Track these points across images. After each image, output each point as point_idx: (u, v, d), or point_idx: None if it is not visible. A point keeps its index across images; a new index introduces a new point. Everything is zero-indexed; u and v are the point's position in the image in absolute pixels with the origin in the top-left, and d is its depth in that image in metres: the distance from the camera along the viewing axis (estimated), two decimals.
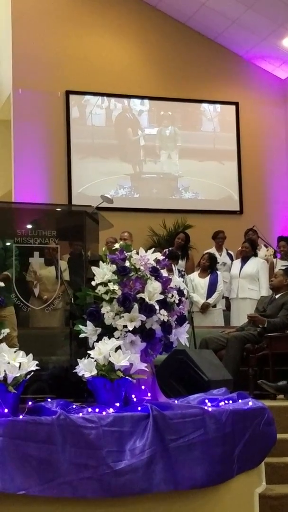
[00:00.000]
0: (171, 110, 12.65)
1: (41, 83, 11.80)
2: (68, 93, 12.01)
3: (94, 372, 3.94)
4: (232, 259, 10.23)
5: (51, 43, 11.93)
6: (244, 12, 11.77)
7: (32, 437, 3.52)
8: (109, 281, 4.35)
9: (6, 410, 3.64)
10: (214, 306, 9.12)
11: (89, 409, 3.86)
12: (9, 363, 3.73)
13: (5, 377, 3.69)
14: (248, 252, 9.42)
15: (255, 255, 9.58)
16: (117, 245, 4.59)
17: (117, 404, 3.91)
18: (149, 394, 4.25)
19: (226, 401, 4.45)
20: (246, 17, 11.89)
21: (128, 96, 12.39)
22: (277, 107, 13.09)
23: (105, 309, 4.28)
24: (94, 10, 12.23)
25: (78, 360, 4.06)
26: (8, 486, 3.42)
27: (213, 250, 10.21)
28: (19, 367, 3.76)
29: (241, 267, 9.33)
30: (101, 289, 4.35)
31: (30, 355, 3.86)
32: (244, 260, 9.39)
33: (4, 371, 3.69)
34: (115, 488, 3.60)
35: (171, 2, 12.31)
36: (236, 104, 12.86)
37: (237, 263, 9.56)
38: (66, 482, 3.51)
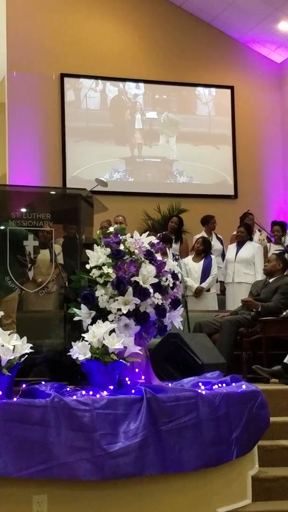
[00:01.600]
0: (166, 93, 12.60)
1: (36, 66, 11.73)
2: (63, 76, 11.95)
3: (88, 355, 3.95)
4: (222, 244, 10.24)
5: (46, 25, 11.85)
6: None
7: (26, 420, 3.53)
8: (104, 264, 4.35)
9: (0, 393, 3.64)
10: (208, 290, 9.12)
11: (83, 392, 3.87)
12: (3, 345, 3.74)
13: None
14: (244, 236, 9.41)
15: (251, 239, 9.58)
16: (111, 229, 4.58)
17: (111, 387, 3.92)
18: (143, 377, 4.26)
19: (220, 385, 4.47)
20: (242, 0, 11.82)
21: (123, 80, 12.33)
22: (273, 91, 13.04)
23: (99, 292, 4.29)
24: None
25: (72, 343, 4.07)
26: (1, 469, 3.43)
27: (203, 235, 10.19)
28: (13, 350, 3.77)
29: (237, 252, 9.32)
30: (95, 272, 4.35)
31: (24, 338, 3.87)
32: (240, 245, 9.38)
33: None
34: (109, 470, 3.62)
35: None
36: (232, 88, 12.82)
37: (232, 247, 9.54)
38: (60, 464, 3.53)
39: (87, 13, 12.12)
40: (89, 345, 3.97)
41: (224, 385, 4.51)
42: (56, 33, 11.89)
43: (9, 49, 11.68)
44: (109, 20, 12.25)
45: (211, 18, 12.56)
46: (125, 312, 4.22)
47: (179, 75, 12.52)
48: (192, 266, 9.17)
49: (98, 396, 3.79)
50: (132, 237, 4.50)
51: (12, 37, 11.68)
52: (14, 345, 3.78)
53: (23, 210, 5.06)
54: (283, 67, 13.04)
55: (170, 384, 4.52)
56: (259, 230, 10.63)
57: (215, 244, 10.19)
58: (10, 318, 4.87)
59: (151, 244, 4.52)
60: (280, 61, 13.03)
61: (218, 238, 10.44)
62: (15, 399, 3.65)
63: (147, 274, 4.35)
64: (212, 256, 9.32)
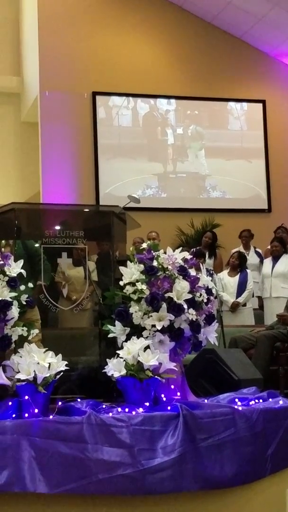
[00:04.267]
0: (197, 109, 12.63)
1: (68, 85, 11.86)
2: (94, 94, 12.05)
3: (123, 372, 3.94)
4: (260, 258, 10.16)
5: (77, 44, 11.98)
6: (270, 9, 11.71)
7: (62, 437, 3.53)
8: (137, 281, 4.34)
9: (36, 411, 3.65)
10: (244, 305, 9.08)
11: (119, 409, 3.85)
12: (38, 363, 3.75)
13: (35, 378, 3.71)
14: (279, 250, 9.34)
15: (286, 253, 9.51)
16: (144, 245, 4.58)
17: (147, 404, 3.90)
18: (178, 394, 4.24)
19: (256, 400, 4.42)
20: (272, 14, 11.83)
21: (155, 96, 12.40)
22: None
23: (134, 308, 4.28)
24: (119, 11, 12.26)
25: (107, 360, 4.07)
26: (40, 486, 3.43)
27: (240, 249, 10.16)
28: (49, 367, 3.78)
29: (273, 266, 9.24)
30: (129, 289, 4.34)
31: (59, 356, 3.87)
32: (275, 259, 9.31)
33: (34, 371, 3.71)
34: (148, 486, 3.59)
35: (197, 1, 12.30)
36: (263, 102, 12.81)
37: (268, 262, 9.46)
38: (98, 480, 3.51)
39: (117, 31, 12.23)
40: (124, 362, 3.96)
41: (261, 400, 4.46)
42: (87, 51, 12.01)
43: (42, 68, 11.83)
44: (139, 38, 12.34)
45: (242, 33, 12.59)
46: (159, 328, 4.20)
47: (210, 90, 12.55)
48: (227, 281, 9.14)
49: (133, 413, 3.77)
50: (165, 253, 4.50)
51: (44, 57, 11.82)
52: (49, 363, 3.79)
53: (57, 228, 5.09)
54: None
55: (206, 400, 4.49)
56: None
57: (251, 258, 10.13)
58: (37, 337, 4.88)
59: (185, 260, 4.51)
60: None
61: (256, 252, 10.38)
62: (51, 416, 3.65)
63: (181, 290, 4.34)
64: (248, 271, 9.28)
